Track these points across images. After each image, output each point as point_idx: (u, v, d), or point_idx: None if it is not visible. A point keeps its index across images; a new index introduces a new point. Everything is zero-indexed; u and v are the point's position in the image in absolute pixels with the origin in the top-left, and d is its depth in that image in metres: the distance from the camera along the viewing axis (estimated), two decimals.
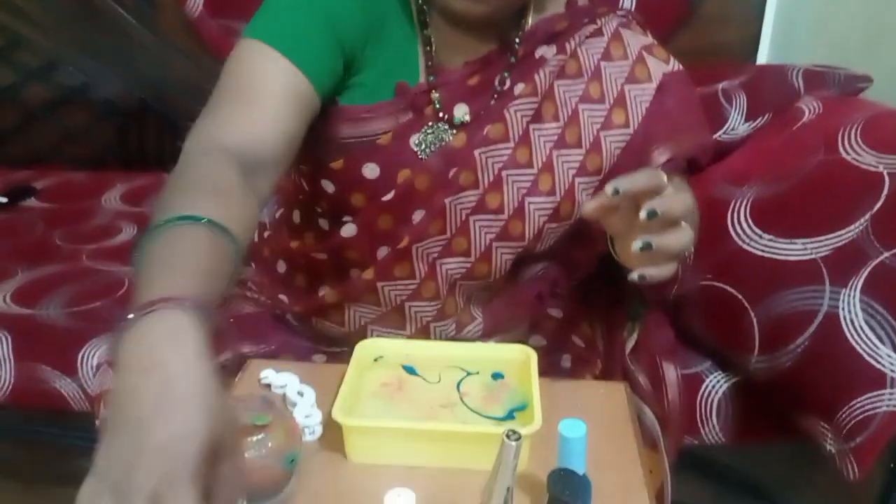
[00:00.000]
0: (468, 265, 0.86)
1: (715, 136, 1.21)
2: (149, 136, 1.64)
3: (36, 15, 1.53)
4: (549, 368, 0.88)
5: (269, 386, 0.79)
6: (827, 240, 0.90)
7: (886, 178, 0.91)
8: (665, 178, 0.63)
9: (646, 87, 0.89)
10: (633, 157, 0.87)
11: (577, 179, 0.85)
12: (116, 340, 0.47)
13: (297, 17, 0.77)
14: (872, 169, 0.93)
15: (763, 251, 0.95)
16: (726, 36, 1.48)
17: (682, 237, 0.65)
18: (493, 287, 0.90)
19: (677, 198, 0.64)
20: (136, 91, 1.59)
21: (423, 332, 0.88)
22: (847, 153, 0.97)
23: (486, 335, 0.92)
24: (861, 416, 0.83)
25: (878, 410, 0.82)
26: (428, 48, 0.84)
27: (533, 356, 0.77)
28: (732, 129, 1.21)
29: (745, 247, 0.97)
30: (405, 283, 0.86)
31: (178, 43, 1.54)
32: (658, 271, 0.66)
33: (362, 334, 0.88)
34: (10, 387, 1.05)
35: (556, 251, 0.91)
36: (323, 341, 0.92)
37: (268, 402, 0.65)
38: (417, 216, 0.83)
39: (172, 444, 0.42)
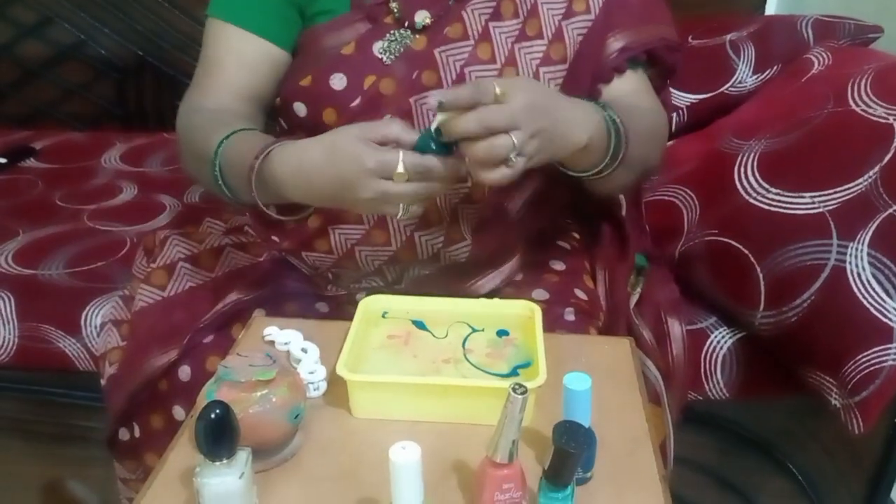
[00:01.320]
0: None
1: (722, 89, 1.20)
2: (147, 93, 1.62)
3: None
4: (553, 322, 0.88)
5: (272, 343, 0.79)
6: (835, 193, 0.89)
7: None
8: (492, 89, 0.66)
9: None
10: (594, 44, 0.89)
11: (542, 69, 0.88)
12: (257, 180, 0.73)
13: None
14: (882, 121, 0.91)
15: (770, 205, 0.94)
16: None
17: (496, 145, 0.66)
18: (475, 197, 0.89)
19: (498, 108, 0.66)
20: (133, 47, 1.57)
21: (409, 245, 0.88)
22: (857, 104, 0.95)
23: (474, 258, 0.91)
24: (867, 371, 0.82)
25: (884, 364, 0.82)
26: None
27: (537, 311, 0.76)
28: (740, 82, 1.19)
29: (751, 201, 0.96)
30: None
31: None
32: (493, 175, 0.68)
33: (351, 258, 0.89)
34: (15, 347, 1.06)
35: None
36: (321, 281, 0.93)
37: (272, 358, 0.65)
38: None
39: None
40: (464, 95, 0.67)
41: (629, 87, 0.92)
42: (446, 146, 0.68)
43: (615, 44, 0.90)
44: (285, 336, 0.79)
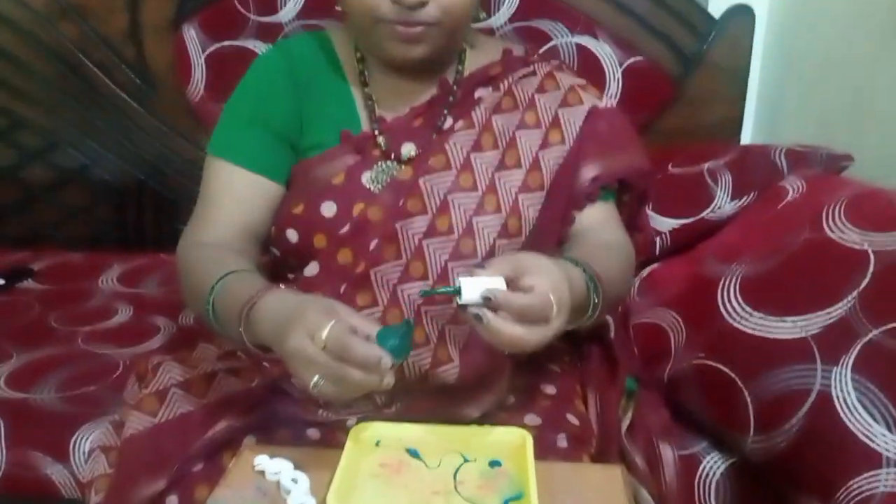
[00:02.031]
0: (427, 289, 0.89)
1: (702, 215, 1.24)
2: (147, 216, 1.66)
3: (37, 96, 1.57)
4: (546, 449, 0.88)
5: (262, 473, 0.78)
6: (816, 317, 0.91)
7: (872, 256, 0.92)
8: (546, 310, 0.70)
9: (579, 109, 0.98)
10: (569, 172, 0.95)
11: (521, 196, 0.93)
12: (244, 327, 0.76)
13: (238, 126, 0.96)
14: (857, 247, 0.95)
15: (754, 329, 0.96)
16: (711, 116, 1.52)
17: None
18: (461, 319, 0.89)
19: (539, 303, 0.70)
20: (134, 171, 1.62)
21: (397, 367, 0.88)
22: (832, 231, 0.99)
23: (462, 381, 0.91)
24: (859, 498, 0.82)
25: (875, 491, 0.81)
26: (369, 102, 0.95)
27: (529, 440, 0.77)
28: (719, 208, 1.24)
29: (736, 325, 0.98)
30: (369, 311, 0.88)
31: (178, 125, 1.57)
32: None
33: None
34: (1, 474, 1.04)
35: None
36: (312, 406, 0.93)
37: (262, 491, 0.65)
38: (373, 245, 0.89)
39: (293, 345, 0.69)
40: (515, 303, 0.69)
41: (600, 216, 0.98)
42: (401, 349, 0.69)
43: (588, 173, 0.96)
44: (276, 465, 0.78)
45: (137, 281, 1.52)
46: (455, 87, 0.97)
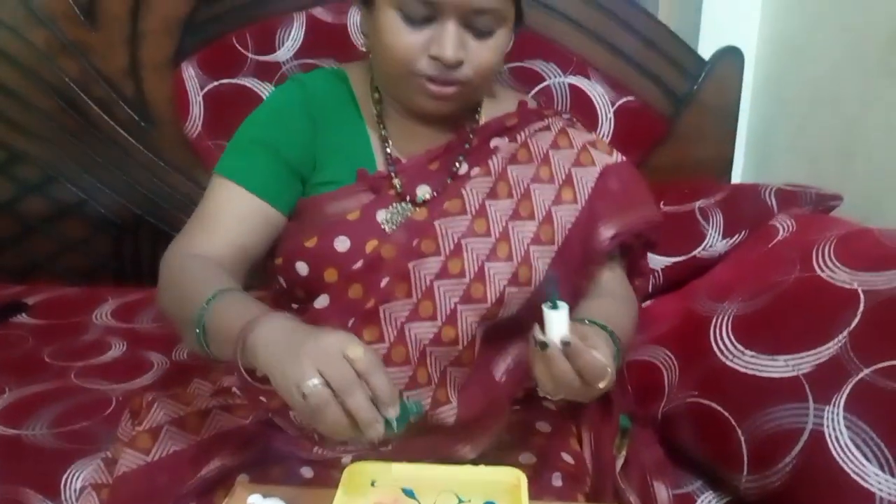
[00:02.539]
0: (435, 329, 0.89)
1: (694, 252, 1.25)
2: (143, 250, 1.66)
3: (36, 131, 1.58)
4: (540, 489, 0.88)
5: None
6: (808, 356, 0.92)
7: (861, 295, 0.94)
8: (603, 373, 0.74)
9: (591, 170, 1.00)
10: (581, 231, 0.97)
11: (532, 248, 0.94)
12: (243, 345, 0.71)
13: (250, 151, 0.95)
14: (847, 286, 0.96)
15: (746, 368, 0.96)
16: (702, 154, 1.55)
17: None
18: (464, 361, 0.92)
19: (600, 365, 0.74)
20: (131, 206, 1.62)
21: None
22: (822, 270, 1.01)
23: (460, 423, 0.92)
24: None
25: None
26: (385, 143, 0.97)
27: (523, 480, 0.76)
28: (711, 246, 1.25)
29: (728, 363, 0.98)
30: (375, 347, 0.88)
31: (175, 160, 1.59)
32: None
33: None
34: None
35: (524, 333, 0.92)
36: (306, 444, 0.92)
37: None
38: (384, 282, 0.89)
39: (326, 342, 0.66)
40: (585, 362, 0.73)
41: (612, 273, 1.01)
42: (399, 422, 0.68)
43: (606, 231, 0.98)
44: None
45: (132, 316, 1.52)
46: (471, 135, 0.99)
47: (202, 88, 1.52)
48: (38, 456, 1.06)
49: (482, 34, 0.89)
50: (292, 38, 1.50)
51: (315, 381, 0.64)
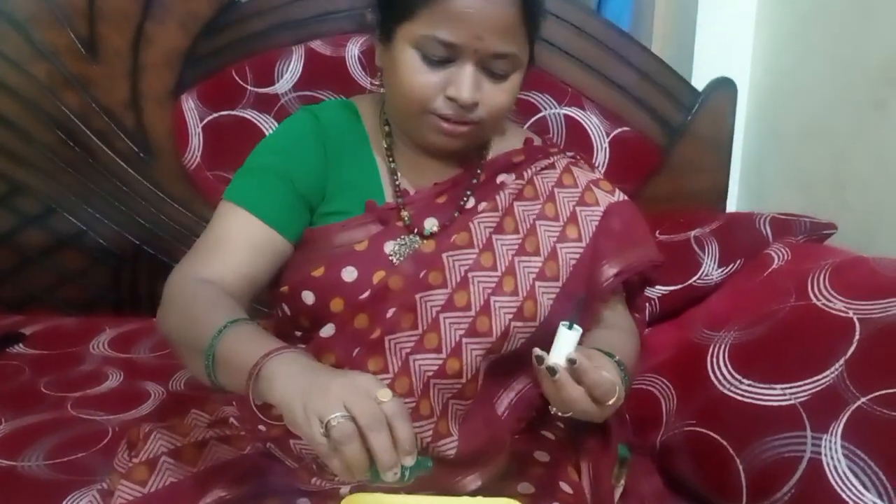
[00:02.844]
0: (440, 361, 0.89)
1: (690, 281, 1.26)
2: (142, 281, 1.67)
3: (36, 163, 1.59)
4: None
5: None
6: (805, 385, 0.93)
7: (857, 324, 0.94)
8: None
9: (594, 209, 1.02)
10: (585, 269, 0.98)
11: (538, 283, 0.94)
12: (257, 376, 0.71)
13: (261, 178, 0.95)
14: (843, 314, 0.97)
15: (743, 396, 0.97)
16: (696, 184, 1.56)
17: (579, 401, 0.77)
18: (467, 394, 0.92)
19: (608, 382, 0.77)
20: (131, 236, 1.63)
21: None
22: (817, 299, 1.01)
23: (461, 455, 0.91)
24: None
25: None
26: (394, 176, 0.98)
27: None
28: (707, 275, 1.26)
29: (726, 392, 0.99)
30: (378, 377, 0.86)
31: (174, 192, 1.60)
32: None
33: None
34: None
35: (527, 367, 0.92)
36: (304, 474, 0.92)
37: None
38: (390, 313, 0.89)
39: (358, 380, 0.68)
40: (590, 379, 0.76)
41: (615, 307, 1.03)
42: (411, 471, 0.68)
43: (610, 270, 1.00)
44: None
45: (129, 346, 1.51)
46: (479, 171, 1.01)
47: (202, 120, 1.54)
48: (34, 488, 1.05)
49: (498, 77, 0.91)
50: (291, 71, 1.52)
51: (342, 415, 0.65)
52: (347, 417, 0.65)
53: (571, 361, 0.74)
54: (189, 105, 1.53)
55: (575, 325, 0.76)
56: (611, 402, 0.77)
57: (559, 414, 0.80)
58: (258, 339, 0.76)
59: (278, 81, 1.52)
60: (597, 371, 0.75)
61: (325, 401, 0.66)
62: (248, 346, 0.75)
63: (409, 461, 0.66)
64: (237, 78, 1.52)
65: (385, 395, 0.67)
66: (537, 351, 0.76)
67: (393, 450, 0.66)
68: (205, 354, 0.77)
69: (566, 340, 0.76)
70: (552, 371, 0.74)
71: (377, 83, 1.01)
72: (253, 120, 1.52)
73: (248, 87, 1.52)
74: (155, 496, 0.91)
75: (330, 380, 0.68)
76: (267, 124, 1.53)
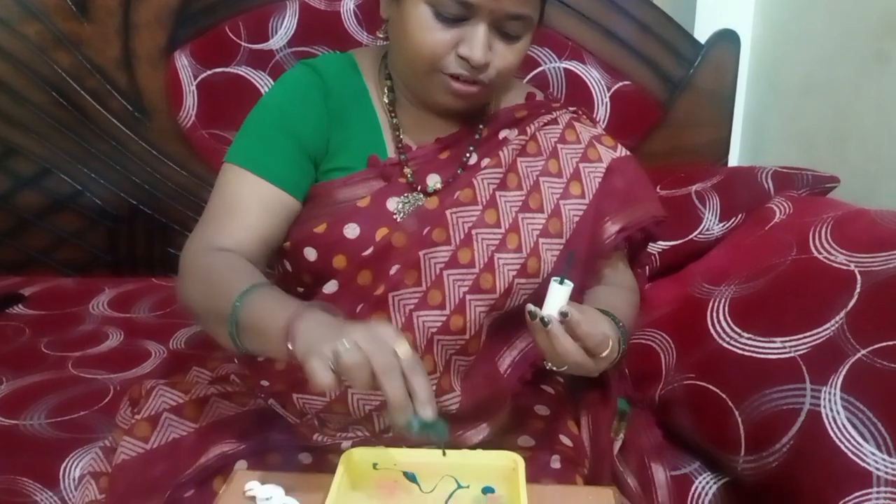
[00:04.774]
0: (444, 318, 0.89)
1: (691, 236, 1.25)
2: (139, 240, 1.66)
3: (30, 124, 1.57)
4: (538, 471, 0.89)
5: (253, 498, 0.78)
6: (805, 338, 0.92)
7: (858, 276, 0.94)
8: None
9: (597, 165, 1.01)
10: (588, 226, 0.98)
11: (541, 240, 0.94)
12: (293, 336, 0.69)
13: (265, 137, 0.94)
14: (844, 267, 0.96)
15: (743, 350, 0.96)
16: (698, 139, 1.55)
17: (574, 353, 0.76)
18: (470, 350, 0.92)
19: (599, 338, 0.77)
20: (127, 196, 1.62)
21: None
22: (819, 252, 1.01)
23: (464, 410, 0.92)
24: None
25: None
26: (396, 132, 0.97)
27: (521, 464, 0.77)
28: (707, 230, 1.25)
29: (725, 345, 0.98)
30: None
31: (169, 151, 1.58)
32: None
33: (342, 402, 0.88)
34: None
35: None
36: (306, 430, 0.92)
37: None
38: (394, 269, 0.89)
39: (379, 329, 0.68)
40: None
41: (616, 264, 1.03)
42: (425, 426, 0.67)
43: (612, 227, 1.00)
44: (267, 491, 0.78)
45: (128, 306, 1.51)
46: (482, 126, 0.99)
47: (195, 78, 1.51)
48: (36, 446, 1.06)
49: (510, 38, 0.89)
50: (285, 27, 1.49)
51: (348, 344, 0.65)
52: (358, 349, 0.65)
53: (563, 314, 0.74)
54: (182, 63, 1.51)
55: (566, 280, 0.76)
56: (604, 355, 0.77)
57: (555, 369, 0.80)
58: (282, 301, 0.76)
59: (272, 37, 1.50)
60: (589, 323, 0.76)
61: (340, 336, 0.66)
62: (272, 310, 0.74)
63: (428, 413, 0.66)
64: (230, 34, 1.50)
65: (404, 349, 0.67)
66: (530, 306, 0.76)
67: (405, 393, 0.66)
68: (228, 322, 0.77)
69: (558, 295, 0.76)
70: (545, 322, 0.74)
71: (381, 35, 0.97)
72: (247, 77, 1.50)
73: (242, 44, 1.50)
74: (157, 452, 0.91)
75: (351, 328, 0.68)
76: (262, 81, 1.51)
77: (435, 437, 0.68)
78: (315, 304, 0.75)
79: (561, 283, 0.76)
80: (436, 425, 0.67)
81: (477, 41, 0.86)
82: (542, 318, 0.75)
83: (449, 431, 0.70)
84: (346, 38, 1.48)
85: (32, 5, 1.50)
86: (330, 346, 0.65)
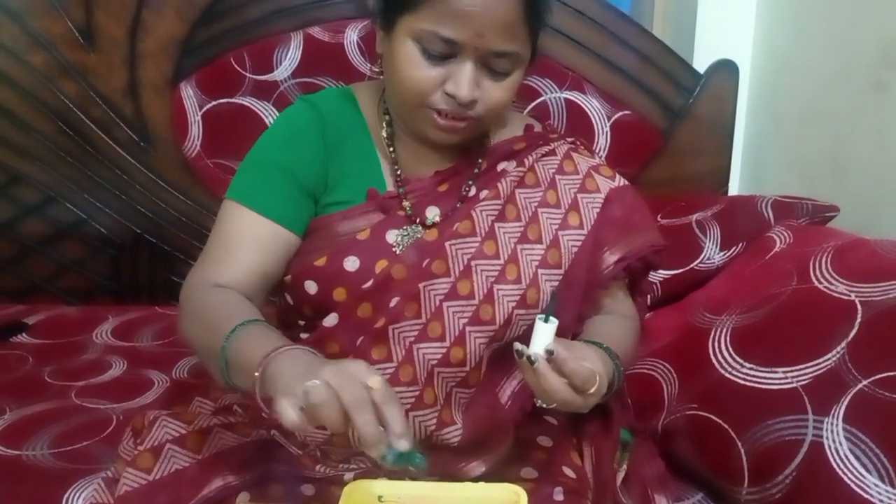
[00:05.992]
0: (444, 350, 0.90)
1: (692, 265, 1.26)
2: (142, 268, 1.67)
3: (35, 152, 1.58)
4: (541, 502, 0.88)
5: None
6: (806, 368, 0.93)
7: (859, 306, 0.94)
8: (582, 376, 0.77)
9: (595, 195, 1.02)
10: (587, 256, 0.98)
11: (540, 271, 0.95)
12: (262, 374, 0.71)
13: (262, 175, 0.95)
14: (844, 297, 0.96)
15: (745, 380, 0.97)
16: (698, 168, 1.56)
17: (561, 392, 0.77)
18: (470, 382, 0.93)
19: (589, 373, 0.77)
20: (131, 224, 1.63)
21: None
22: (819, 281, 1.01)
23: (465, 443, 0.92)
24: None
25: None
26: (395, 165, 0.98)
27: (523, 496, 0.76)
28: (708, 259, 1.26)
29: (727, 375, 0.99)
30: (382, 367, 0.88)
31: (174, 179, 1.59)
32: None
33: (343, 434, 0.87)
34: None
35: None
36: (308, 461, 0.92)
37: None
38: (394, 302, 0.89)
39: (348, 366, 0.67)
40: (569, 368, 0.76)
41: (616, 293, 1.04)
42: (400, 458, 0.67)
43: (611, 257, 1.00)
44: None
45: (132, 334, 1.52)
46: (480, 159, 1.01)
47: (201, 108, 1.53)
48: (38, 477, 1.06)
49: (498, 75, 0.91)
50: (290, 58, 1.51)
51: (318, 381, 0.65)
52: (325, 385, 0.65)
53: (549, 352, 0.74)
54: (188, 93, 1.53)
55: (551, 318, 0.76)
56: (592, 391, 0.77)
57: (544, 406, 0.80)
58: (265, 339, 0.77)
59: (277, 68, 1.51)
60: (575, 360, 0.76)
61: (310, 378, 0.66)
62: (255, 346, 0.75)
63: (403, 445, 0.66)
64: (236, 65, 1.51)
65: (375, 381, 0.66)
66: (517, 345, 0.76)
67: (377, 427, 0.65)
68: (219, 359, 0.78)
69: (543, 332, 0.76)
70: (531, 360, 0.75)
71: (377, 69, 0.99)
72: (252, 107, 1.52)
73: (247, 75, 1.52)
74: (160, 483, 0.91)
75: (322, 366, 0.68)
76: (266, 111, 1.52)
77: (413, 468, 0.68)
78: (298, 347, 0.75)
79: (546, 320, 0.76)
80: (411, 456, 0.67)
81: (463, 79, 0.88)
82: (528, 357, 0.75)
83: (427, 462, 0.69)
84: (349, 69, 1.50)
85: (39, 34, 1.51)
86: (300, 385, 0.65)
